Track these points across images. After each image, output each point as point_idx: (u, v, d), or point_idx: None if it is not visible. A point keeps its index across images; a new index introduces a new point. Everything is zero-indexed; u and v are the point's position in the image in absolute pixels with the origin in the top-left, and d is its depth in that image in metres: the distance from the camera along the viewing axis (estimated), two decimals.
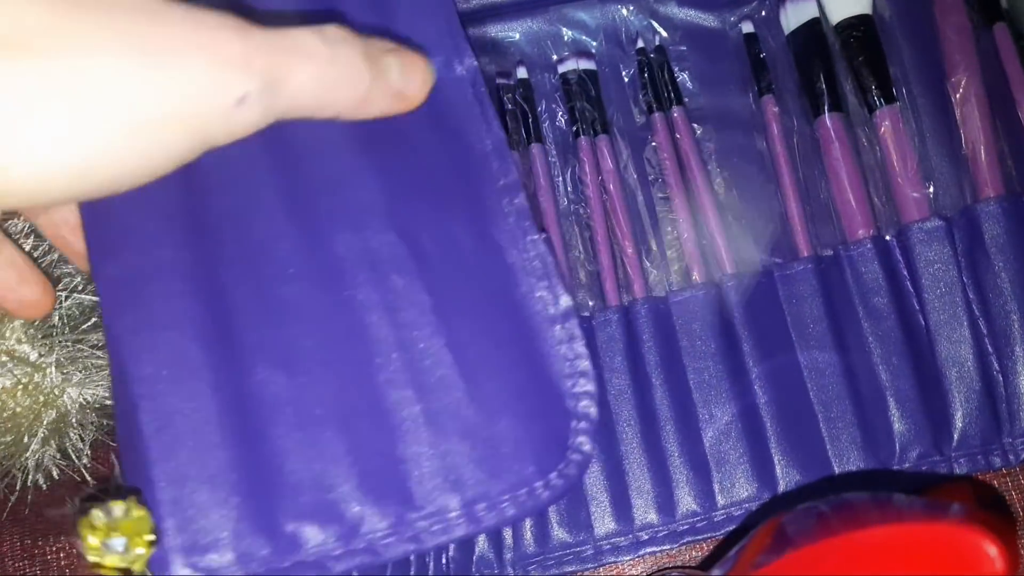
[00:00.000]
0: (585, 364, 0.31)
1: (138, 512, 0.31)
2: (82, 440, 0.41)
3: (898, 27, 0.42)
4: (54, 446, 0.40)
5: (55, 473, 0.41)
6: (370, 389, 0.30)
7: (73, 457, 0.41)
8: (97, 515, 0.31)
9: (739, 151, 0.43)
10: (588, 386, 0.31)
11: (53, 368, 0.40)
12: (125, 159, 0.23)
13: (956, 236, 0.39)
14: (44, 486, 0.41)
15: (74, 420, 0.41)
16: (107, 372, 0.41)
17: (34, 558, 0.42)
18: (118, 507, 0.31)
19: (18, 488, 0.41)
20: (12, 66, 0.21)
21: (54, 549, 0.43)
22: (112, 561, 0.30)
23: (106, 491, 0.33)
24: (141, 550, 0.30)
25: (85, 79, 0.21)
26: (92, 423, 0.41)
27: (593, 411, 0.31)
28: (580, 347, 0.31)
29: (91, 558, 0.29)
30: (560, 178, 0.44)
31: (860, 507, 0.31)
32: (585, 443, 0.30)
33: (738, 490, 0.38)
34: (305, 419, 0.30)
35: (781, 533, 0.31)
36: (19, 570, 0.42)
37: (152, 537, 0.31)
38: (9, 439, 0.40)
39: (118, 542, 0.32)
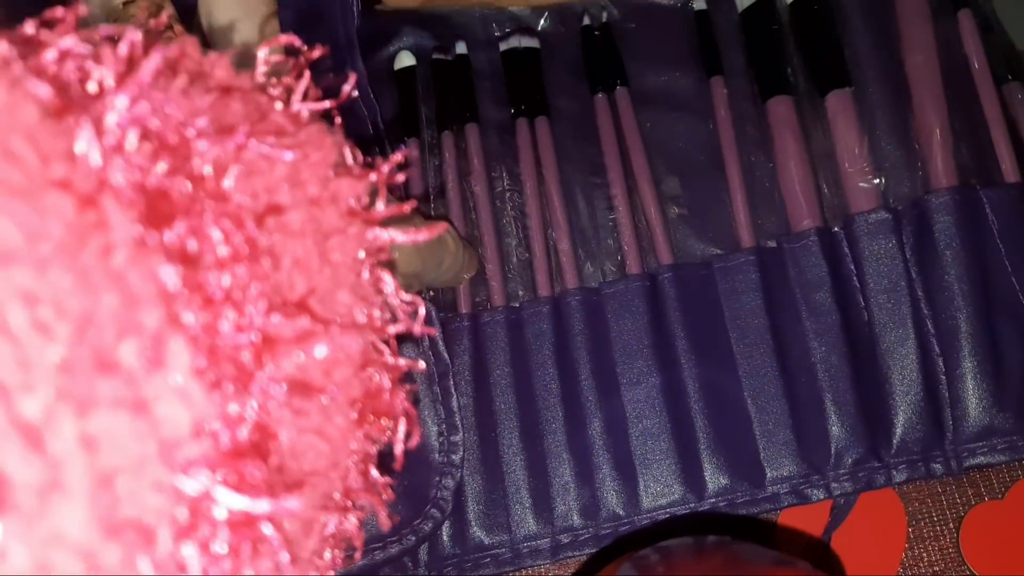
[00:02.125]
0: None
1: None
2: None
3: (855, 7, 0.40)
4: None
5: None
6: None
7: None
8: None
9: (685, 134, 0.41)
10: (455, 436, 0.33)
11: None
12: None
13: (905, 229, 0.36)
14: None
15: None
16: None
17: None
18: None
19: None
20: None
21: None
22: None
23: None
24: None
25: None
26: None
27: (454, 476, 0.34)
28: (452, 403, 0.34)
29: None
30: (496, 161, 0.41)
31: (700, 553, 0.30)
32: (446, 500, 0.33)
33: (664, 494, 0.36)
34: None
35: None
36: None
37: None
38: None
39: None
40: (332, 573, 0.20)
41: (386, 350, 0.20)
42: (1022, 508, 0.36)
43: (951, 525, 0.36)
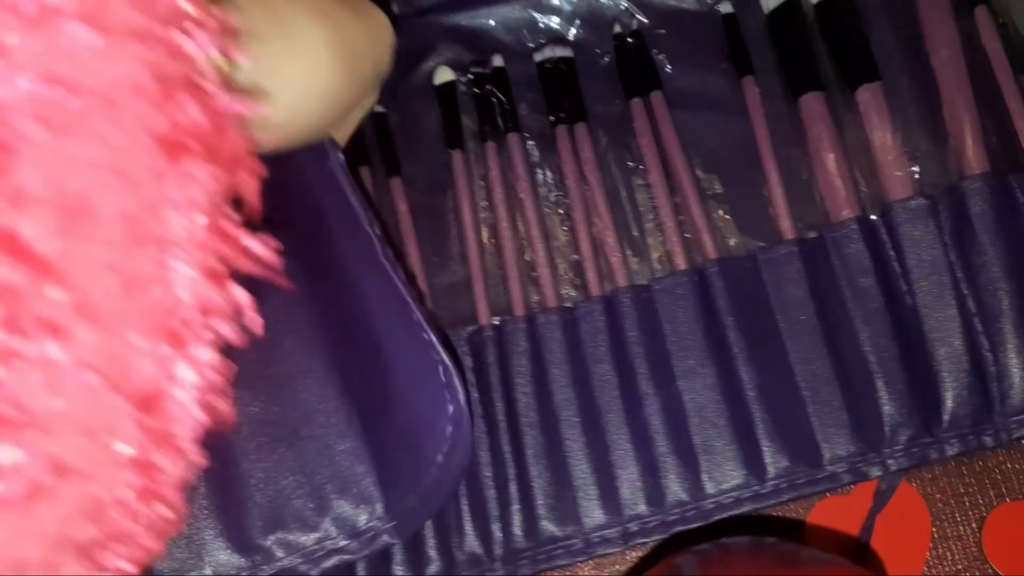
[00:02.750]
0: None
1: None
2: None
3: (878, 4, 0.42)
4: None
5: None
6: None
7: None
8: None
9: (720, 134, 0.42)
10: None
11: None
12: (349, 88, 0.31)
13: (942, 214, 0.38)
14: None
15: None
16: None
17: None
18: None
19: None
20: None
21: None
22: None
23: None
24: None
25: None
26: None
27: None
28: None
29: None
30: (540, 168, 0.43)
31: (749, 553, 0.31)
32: None
33: (727, 478, 0.37)
34: None
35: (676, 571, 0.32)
36: None
37: None
38: None
39: None
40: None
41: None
42: None
43: (974, 525, 0.38)
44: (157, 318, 0.17)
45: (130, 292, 0.16)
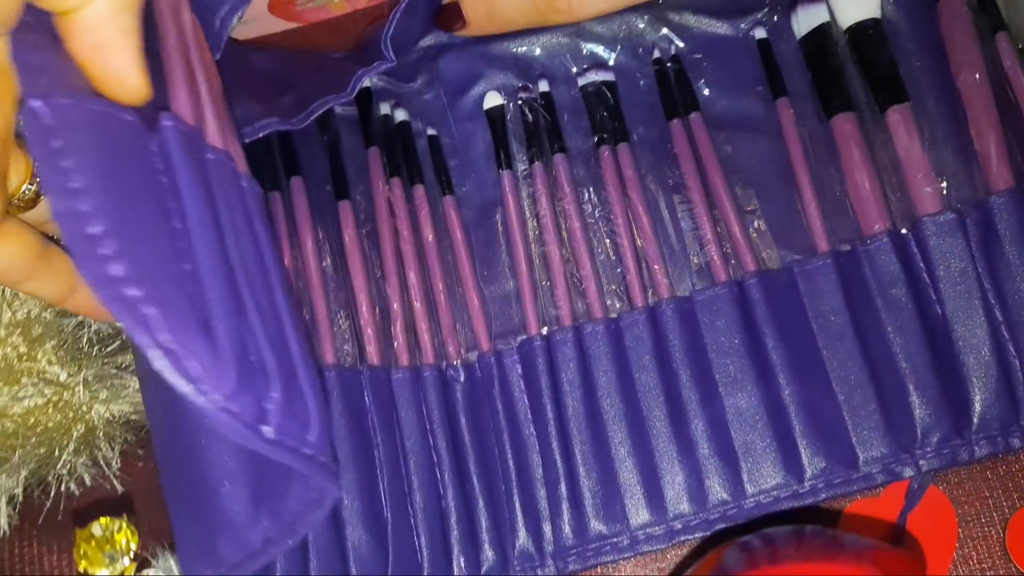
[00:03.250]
0: None
1: (126, 529, 0.35)
2: (111, 450, 0.43)
3: (905, 30, 0.44)
4: (85, 456, 0.43)
5: (87, 480, 0.43)
6: None
7: (103, 465, 0.43)
8: (90, 532, 0.35)
9: (756, 153, 0.45)
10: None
11: (82, 387, 0.42)
12: None
13: (969, 228, 0.40)
14: (77, 493, 0.43)
15: (101, 433, 0.43)
16: (132, 391, 0.43)
17: (70, 560, 0.45)
18: (104, 524, 0.34)
19: (51, 495, 0.43)
20: None
21: None
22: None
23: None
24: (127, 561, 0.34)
25: None
26: (119, 436, 0.43)
27: None
28: None
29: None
30: (585, 187, 0.45)
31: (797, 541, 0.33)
32: None
33: (766, 479, 0.39)
34: None
35: (721, 565, 0.34)
36: (56, 569, 0.44)
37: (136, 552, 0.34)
38: (42, 451, 0.42)
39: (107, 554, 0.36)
40: None
41: None
42: None
43: (998, 526, 0.40)
44: None
45: None
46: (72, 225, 0.23)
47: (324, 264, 0.43)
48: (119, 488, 0.44)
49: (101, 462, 0.43)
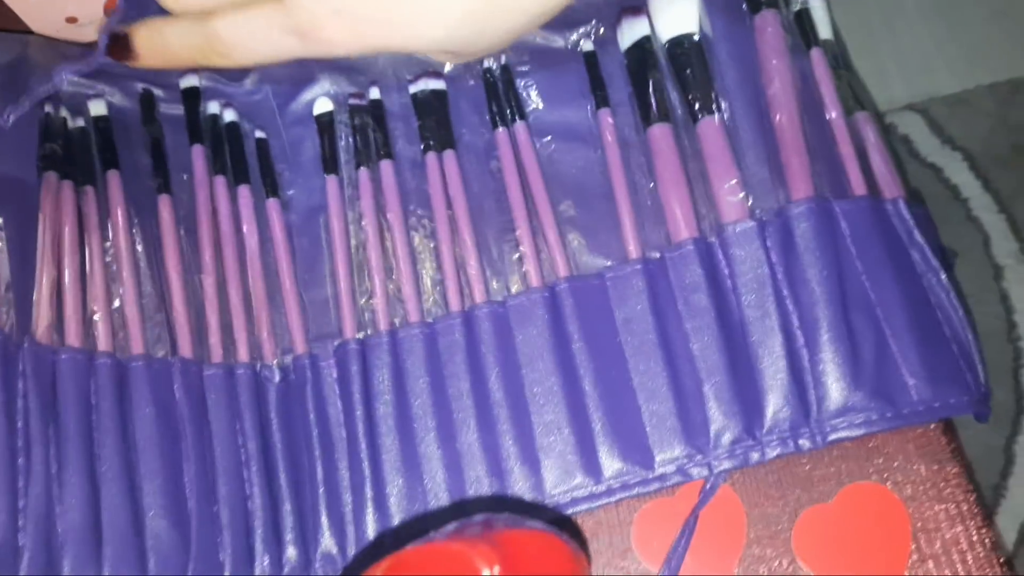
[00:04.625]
0: None
1: None
2: None
3: (722, 46, 0.45)
4: None
5: None
6: None
7: None
8: None
9: (578, 163, 0.46)
10: None
11: None
12: None
13: (770, 236, 0.41)
14: None
15: None
16: None
17: None
18: None
19: None
20: None
21: None
22: None
23: None
24: None
25: None
26: None
27: None
28: None
29: None
30: (411, 193, 0.46)
31: None
32: None
33: (566, 479, 0.40)
34: None
35: None
36: None
37: None
38: None
39: None
40: None
41: None
42: (847, 511, 0.40)
43: (785, 525, 0.40)
44: None
45: None
46: None
47: (137, 256, 0.42)
48: None
49: None
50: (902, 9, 0.50)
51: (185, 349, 0.41)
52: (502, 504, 0.39)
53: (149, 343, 0.40)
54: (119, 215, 0.42)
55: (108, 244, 0.42)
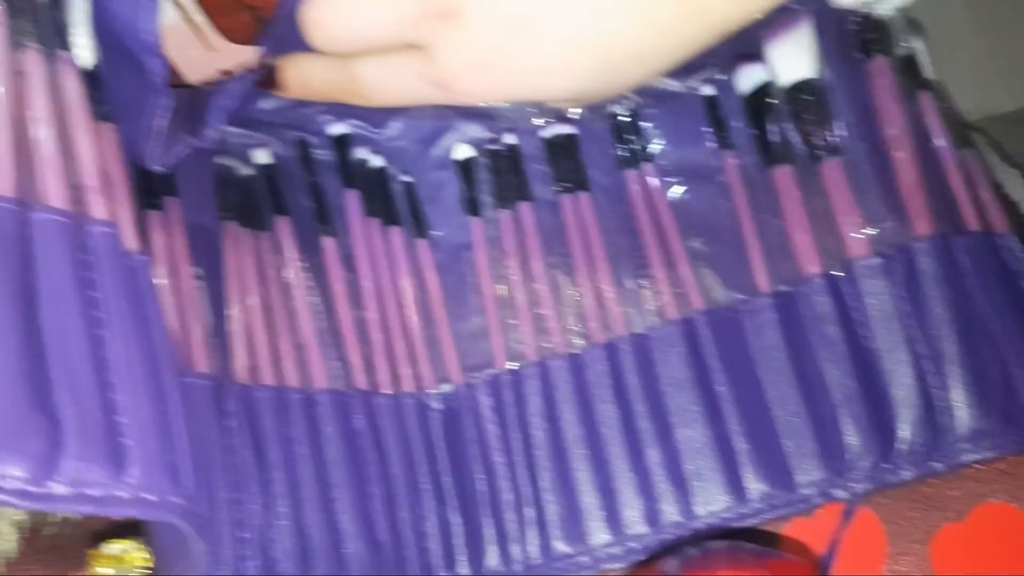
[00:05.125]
0: None
1: (142, 553, 0.38)
2: None
3: (839, 89, 0.48)
4: None
5: None
6: None
7: None
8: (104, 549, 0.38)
9: (704, 201, 0.49)
10: None
11: None
12: None
13: (895, 270, 0.44)
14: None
15: None
16: None
17: None
18: (119, 546, 0.37)
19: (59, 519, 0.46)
20: None
21: None
22: None
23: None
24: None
25: None
26: None
27: None
28: None
29: None
30: (548, 231, 0.49)
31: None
32: None
33: (714, 502, 0.43)
34: None
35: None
36: None
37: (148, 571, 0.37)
38: None
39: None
40: None
41: None
42: (981, 529, 0.43)
43: (923, 543, 0.43)
44: None
45: None
46: None
47: (311, 295, 0.46)
48: None
49: None
50: (956, 27, 0.53)
51: (360, 381, 0.45)
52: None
53: (330, 377, 0.44)
54: (293, 259, 0.46)
55: (285, 284, 0.46)
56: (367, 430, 0.43)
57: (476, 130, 0.51)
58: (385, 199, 0.50)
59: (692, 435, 0.44)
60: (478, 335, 0.48)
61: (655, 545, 0.43)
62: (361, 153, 0.50)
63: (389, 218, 0.49)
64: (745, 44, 0.49)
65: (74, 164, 0.32)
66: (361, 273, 0.47)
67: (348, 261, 0.48)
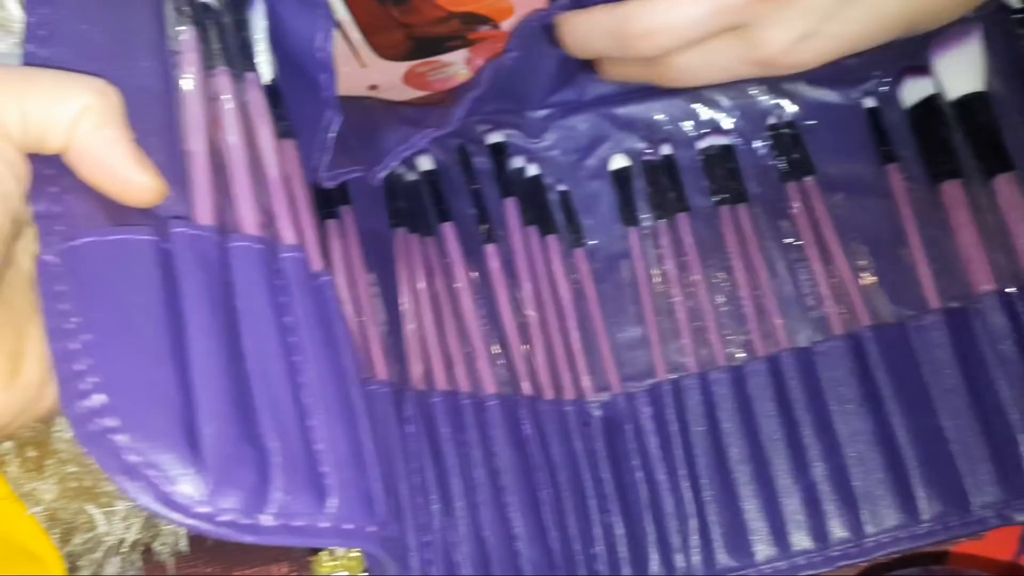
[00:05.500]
0: None
1: (356, 553, 0.39)
2: None
3: (1009, 102, 0.47)
4: None
5: None
6: None
7: None
8: (325, 554, 0.39)
9: (868, 215, 0.48)
10: None
11: None
12: None
13: None
14: None
15: None
16: None
17: None
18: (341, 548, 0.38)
19: None
20: None
21: (248, 570, 0.49)
22: None
23: None
24: None
25: None
26: None
27: None
28: None
29: None
30: (706, 243, 0.49)
31: None
32: None
33: (885, 520, 0.43)
34: None
35: None
36: None
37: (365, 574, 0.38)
38: None
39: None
40: None
41: None
42: None
43: None
44: None
45: None
46: (61, 365, 0.24)
47: (478, 302, 0.47)
48: None
49: None
50: None
51: (525, 387, 0.45)
52: None
53: (499, 382, 0.45)
54: (459, 265, 0.46)
55: (453, 289, 0.46)
56: (534, 436, 0.43)
57: (632, 140, 0.52)
58: (542, 208, 0.50)
59: (861, 452, 0.43)
60: (637, 344, 0.48)
61: (823, 563, 0.43)
62: (518, 162, 0.51)
63: (546, 227, 0.50)
64: (911, 56, 0.48)
65: (263, 187, 0.33)
66: (521, 280, 0.48)
67: (508, 267, 0.48)
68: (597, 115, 0.52)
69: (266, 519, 0.26)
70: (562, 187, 0.51)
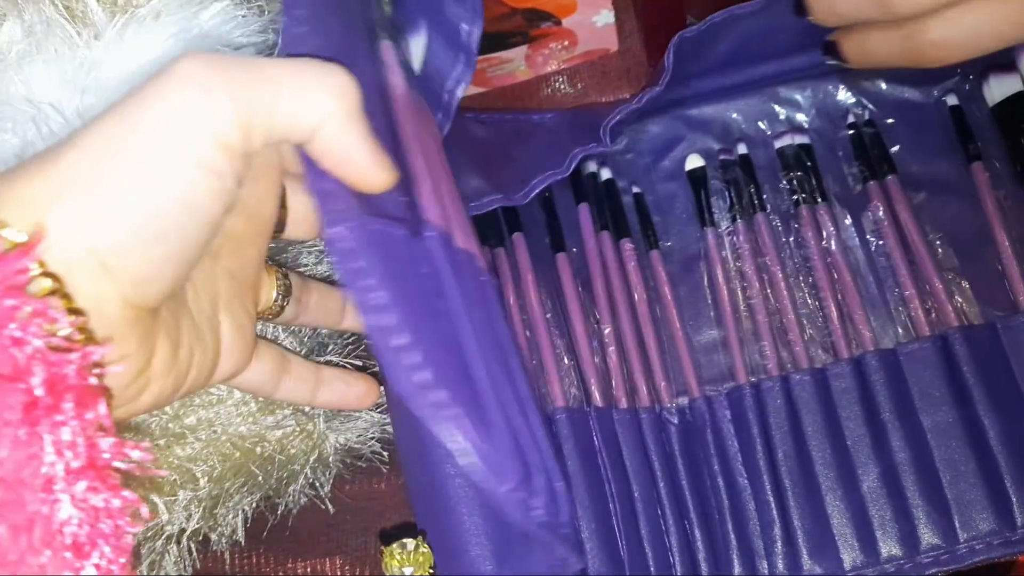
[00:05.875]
0: None
1: (424, 549, 0.39)
2: (328, 475, 0.48)
3: None
4: (302, 481, 0.47)
5: (302, 500, 0.48)
6: None
7: (318, 487, 0.48)
8: (396, 548, 0.39)
9: (952, 213, 0.47)
10: None
11: (321, 418, 0.46)
12: None
13: None
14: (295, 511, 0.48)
15: (330, 460, 0.47)
16: (359, 423, 0.48)
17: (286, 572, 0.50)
18: (411, 543, 0.38)
19: (279, 513, 0.48)
20: None
21: (302, 564, 0.50)
22: None
23: (400, 530, 0.40)
24: None
25: None
26: (340, 462, 0.48)
27: None
28: None
29: None
30: (786, 243, 0.48)
31: None
32: None
33: (978, 525, 0.41)
34: None
35: None
36: None
37: (432, 571, 0.38)
38: (285, 474, 0.46)
39: (408, 570, 0.39)
40: None
41: None
42: None
43: None
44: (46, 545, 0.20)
45: (16, 535, 0.20)
46: (380, 339, 0.25)
47: (547, 313, 0.46)
48: (331, 509, 0.48)
49: (316, 484, 0.48)
50: None
51: (598, 398, 0.45)
52: None
53: (566, 395, 0.44)
54: (528, 277, 0.46)
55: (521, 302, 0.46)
56: (604, 446, 0.43)
57: (707, 141, 0.51)
58: (616, 212, 0.50)
59: (952, 456, 0.42)
60: (715, 347, 0.48)
61: (913, 569, 0.42)
62: (591, 167, 0.51)
63: (620, 230, 0.49)
64: (995, 54, 0.47)
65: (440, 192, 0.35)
66: (595, 287, 0.47)
67: (580, 274, 0.48)
68: (671, 117, 0.52)
69: (537, 514, 0.29)
70: (635, 189, 0.51)
